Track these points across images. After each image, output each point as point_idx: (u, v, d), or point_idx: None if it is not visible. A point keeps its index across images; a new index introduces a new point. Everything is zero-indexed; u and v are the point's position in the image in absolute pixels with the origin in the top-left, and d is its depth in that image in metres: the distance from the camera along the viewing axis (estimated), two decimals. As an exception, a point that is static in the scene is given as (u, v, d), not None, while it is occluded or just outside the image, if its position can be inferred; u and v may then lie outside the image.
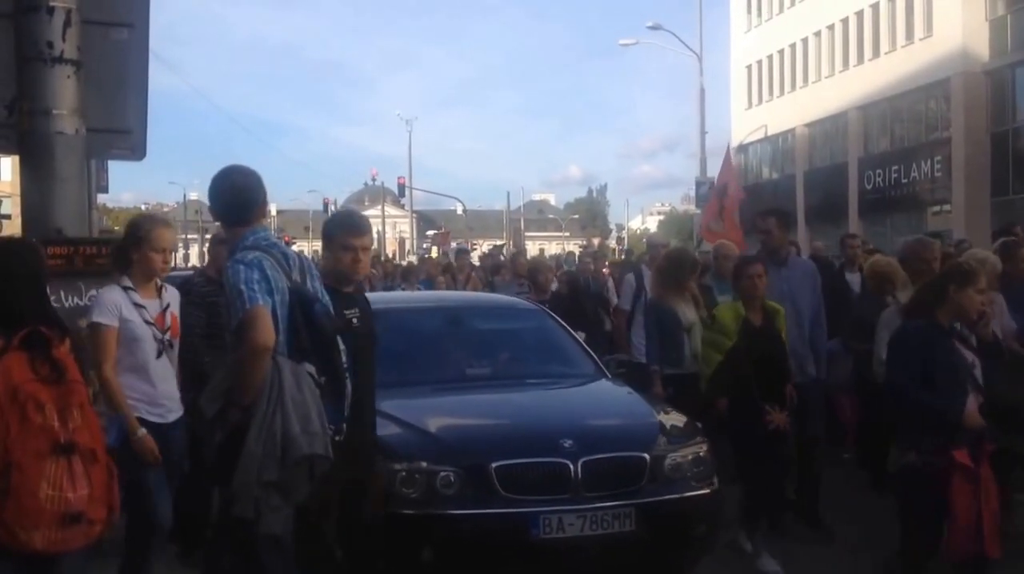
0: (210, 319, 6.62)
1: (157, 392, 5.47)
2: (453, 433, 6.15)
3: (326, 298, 4.86)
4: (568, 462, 5.68)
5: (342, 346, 4.75)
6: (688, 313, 8.09)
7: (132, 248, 5.49)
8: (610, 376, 7.38)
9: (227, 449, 4.36)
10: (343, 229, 5.30)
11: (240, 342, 4.38)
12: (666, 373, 7.90)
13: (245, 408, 4.37)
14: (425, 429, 6.06)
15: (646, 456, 5.90)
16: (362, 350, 5.11)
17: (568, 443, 5.77)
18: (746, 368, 6.75)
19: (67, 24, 5.44)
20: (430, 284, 15.04)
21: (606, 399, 7.11)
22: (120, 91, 6.05)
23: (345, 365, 4.77)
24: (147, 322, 5.42)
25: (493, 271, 16.04)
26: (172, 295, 5.73)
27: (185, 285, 6.66)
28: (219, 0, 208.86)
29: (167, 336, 5.52)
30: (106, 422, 4.99)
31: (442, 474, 5.63)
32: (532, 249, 46.34)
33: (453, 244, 28.81)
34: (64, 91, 5.47)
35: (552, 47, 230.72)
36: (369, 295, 5.96)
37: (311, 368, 4.56)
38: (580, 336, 8.81)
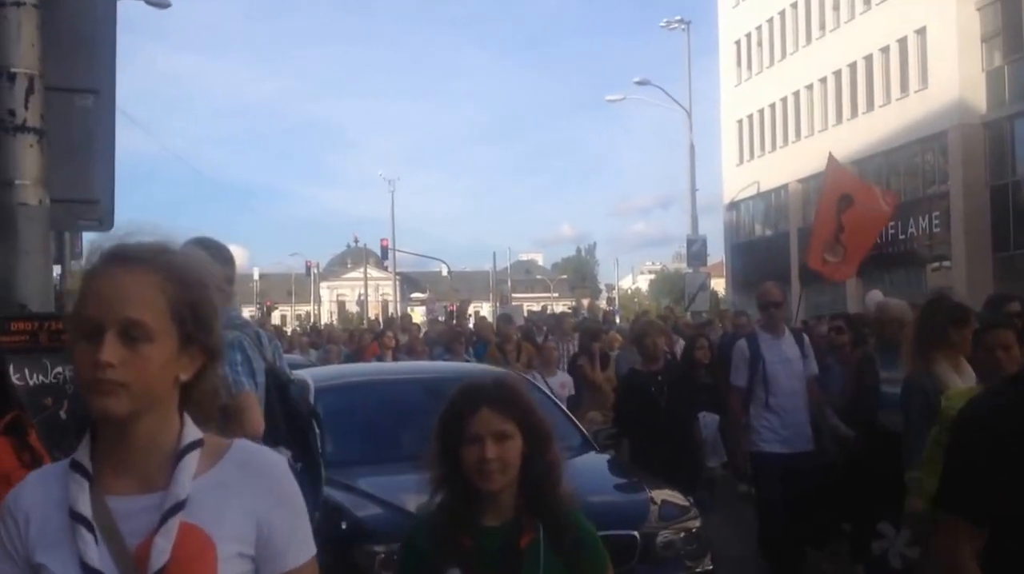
0: None
1: None
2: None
3: (296, 378, 4.65)
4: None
5: (317, 430, 4.53)
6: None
7: None
8: (598, 448, 7.14)
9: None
10: None
11: (224, 428, 4.16)
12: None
13: None
14: (405, 508, 5.76)
15: (636, 534, 5.66)
16: None
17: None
18: None
19: (30, 91, 5.25)
20: (485, 348, 13.06)
21: (594, 474, 6.86)
22: (86, 160, 5.84)
23: (320, 450, 4.54)
24: None
25: (592, 336, 12.60)
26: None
27: None
28: (193, 61, 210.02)
29: None
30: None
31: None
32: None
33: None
34: (27, 161, 5.26)
35: (538, 102, 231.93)
36: (342, 367, 5.72)
37: (287, 453, 4.34)
38: (714, 419, 8.25)
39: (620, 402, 8.40)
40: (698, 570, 5.79)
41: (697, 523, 5.95)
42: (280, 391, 4.45)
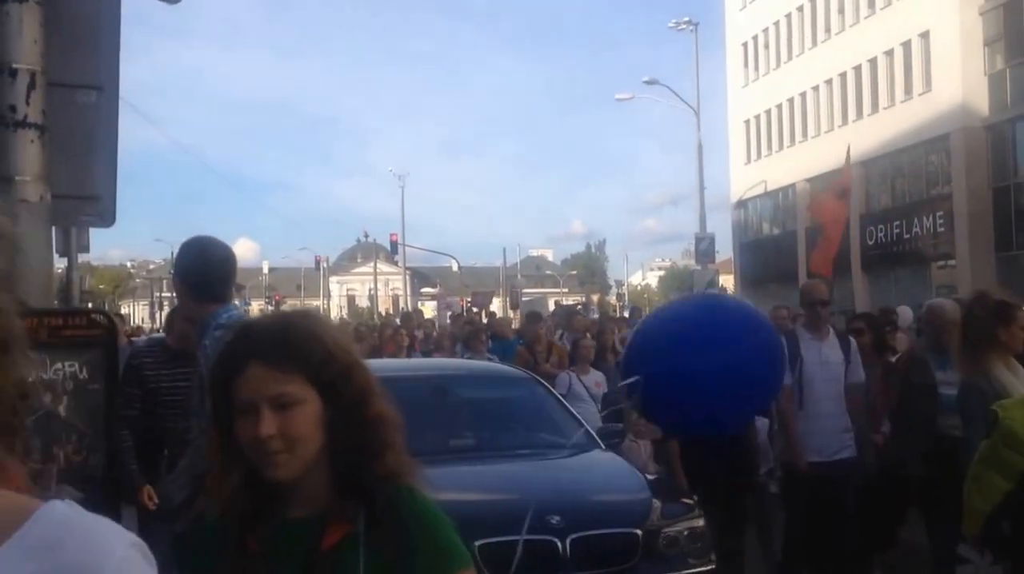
0: (160, 396, 6.01)
1: None
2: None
3: None
4: (556, 539, 5.41)
5: None
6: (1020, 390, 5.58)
7: None
8: (603, 446, 7.11)
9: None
10: None
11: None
12: None
13: None
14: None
15: (638, 532, 5.64)
16: None
17: (556, 519, 5.48)
18: None
19: (31, 87, 5.23)
20: (505, 346, 12.90)
21: (597, 471, 6.83)
22: (88, 156, 5.82)
23: None
24: None
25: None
26: None
27: (140, 354, 6.25)
28: (203, 54, 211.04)
29: None
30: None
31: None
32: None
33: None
34: (28, 157, 5.24)
35: (548, 100, 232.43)
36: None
37: None
38: (764, 424, 7.85)
39: None
40: (701, 568, 5.76)
41: (700, 522, 5.92)
42: None
